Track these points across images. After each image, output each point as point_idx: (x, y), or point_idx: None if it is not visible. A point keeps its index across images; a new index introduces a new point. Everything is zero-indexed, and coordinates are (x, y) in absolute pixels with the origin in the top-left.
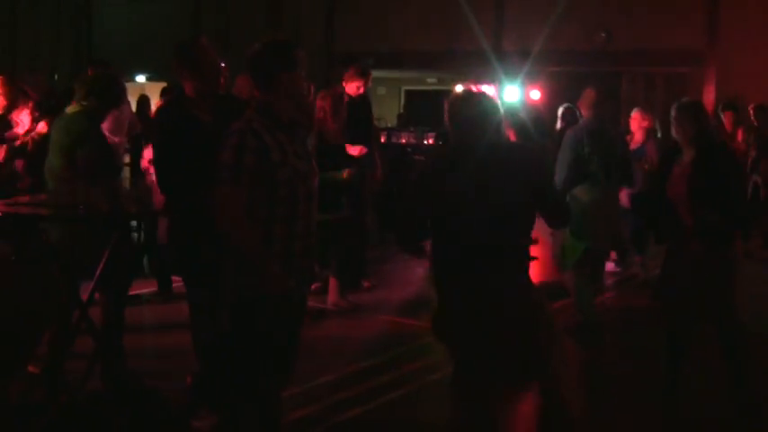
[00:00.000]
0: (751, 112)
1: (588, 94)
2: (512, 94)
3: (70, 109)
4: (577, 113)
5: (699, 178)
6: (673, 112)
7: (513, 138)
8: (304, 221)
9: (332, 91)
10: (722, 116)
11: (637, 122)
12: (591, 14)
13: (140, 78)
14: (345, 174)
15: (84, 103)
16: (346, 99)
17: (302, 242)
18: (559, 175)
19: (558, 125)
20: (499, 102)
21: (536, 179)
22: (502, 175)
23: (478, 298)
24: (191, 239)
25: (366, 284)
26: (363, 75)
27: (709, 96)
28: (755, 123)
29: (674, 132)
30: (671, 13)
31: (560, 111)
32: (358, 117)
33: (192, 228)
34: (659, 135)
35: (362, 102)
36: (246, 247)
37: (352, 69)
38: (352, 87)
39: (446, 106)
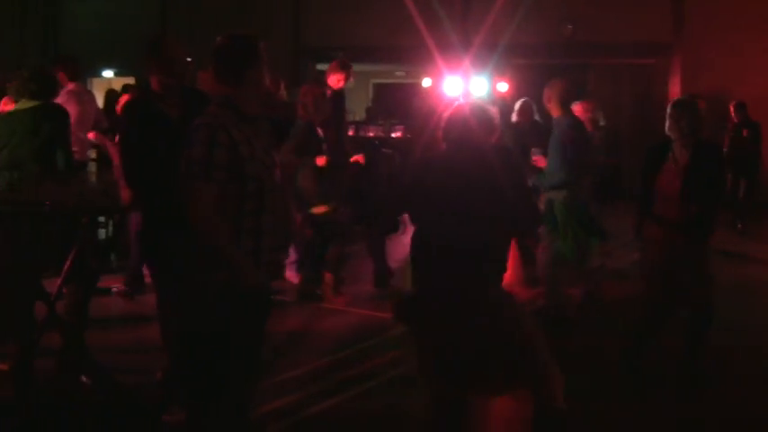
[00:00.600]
0: (732, 109)
1: (557, 85)
2: (479, 86)
3: (23, 105)
4: (534, 107)
5: (696, 176)
6: (669, 109)
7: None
8: (271, 216)
9: (314, 87)
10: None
11: (581, 114)
12: (557, 7)
13: (108, 73)
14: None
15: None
16: (329, 93)
17: (270, 237)
18: (564, 171)
19: (515, 118)
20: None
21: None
22: (480, 177)
23: (454, 299)
24: (160, 234)
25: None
26: (345, 68)
27: (674, 88)
28: (735, 120)
29: (667, 128)
30: (636, 6)
31: (518, 105)
32: (335, 110)
33: (160, 222)
34: (602, 124)
35: (340, 95)
36: (217, 242)
37: (335, 62)
38: (333, 80)
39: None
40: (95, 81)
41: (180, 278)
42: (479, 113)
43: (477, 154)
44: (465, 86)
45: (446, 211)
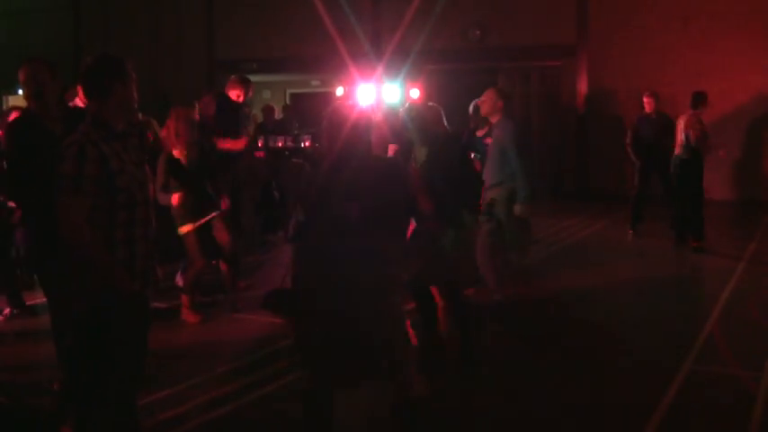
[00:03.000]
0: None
1: (496, 92)
2: (392, 93)
3: None
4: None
5: (432, 169)
6: (404, 114)
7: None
8: (143, 226)
9: (181, 111)
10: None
11: None
12: (465, 13)
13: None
14: (174, 200)
15: None
16: (198, 118)
17: (143, 245)
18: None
19: None
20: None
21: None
22: (369, 187)
23: (334, 303)
24: (46, 248)
25: (241, 284)
26: (243, 83)
27: (581, 87)
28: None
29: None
30: (542, 10)
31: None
32: (233, 125)
33: (46, 237)
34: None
35: (238, 110)
36: (89, 253)
37: (234, 77)
38: (233, 95)
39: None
40: (11, 98)
41: (66, 289)
42: (360, 116)
43: (362, 162)
44: (378, 94)
45: (330, 219)
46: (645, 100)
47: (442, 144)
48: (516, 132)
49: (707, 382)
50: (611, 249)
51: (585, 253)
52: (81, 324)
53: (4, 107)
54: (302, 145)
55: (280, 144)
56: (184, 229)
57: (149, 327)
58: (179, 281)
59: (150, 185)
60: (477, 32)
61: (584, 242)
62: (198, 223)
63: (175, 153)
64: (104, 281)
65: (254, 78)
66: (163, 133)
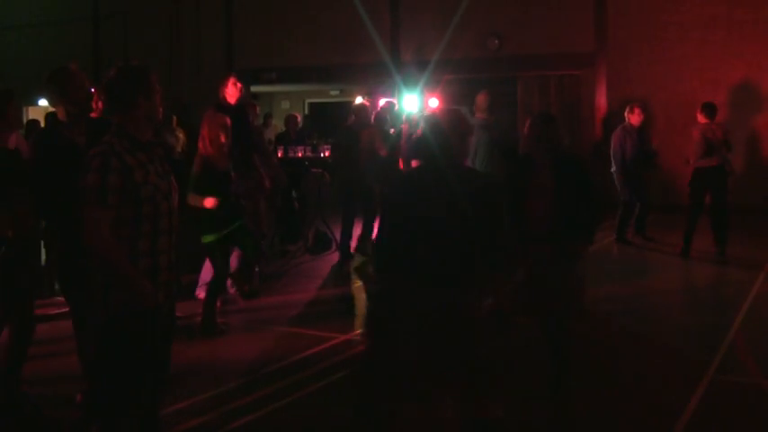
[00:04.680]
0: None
1: (480, 99)
2: (411, 103)
3: None
4: (468, 117)
5: (561, 190)
6: (527, 125)
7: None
8: (167, 236)
9: (213, 117)
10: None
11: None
12: (483, 23)
13: (43, 102)
14: (208, 203)
15: None
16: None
17: (167, 257)
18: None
19: None
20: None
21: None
22: (445, 199)
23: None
24: (71, 259)
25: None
26: (231, 73)
27: (601, 97)
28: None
29: (528, 144)
30: (560, 18)
31: None
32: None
33: (71, 248)
34: None
35: (241, 114)
36: (114, 264)
37: (230, 77)
38: (232, 89)
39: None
40: (31, 109)
41: (87, 299)
42: (454, 122)
43: (447, 174)
44: (396, 103)
45: (413, 227)
46: (637, 110)
47: (566, 162)
48: None
49: (730, 392)
50: (628, 261)
51: (602, 263)
52: (104, 334)
53: (25, 119)
54: (321, 155)
55: (299, 154)
56: (208, 238)
57: (172, 338)
58: (199, 293)
59: (175, 196)
60: (496, 42)
61: (602, 252)
62: (223, 232)
63: (209, 158)
64: (128, 292)
65: (273, 88)
66: (199, 142)
